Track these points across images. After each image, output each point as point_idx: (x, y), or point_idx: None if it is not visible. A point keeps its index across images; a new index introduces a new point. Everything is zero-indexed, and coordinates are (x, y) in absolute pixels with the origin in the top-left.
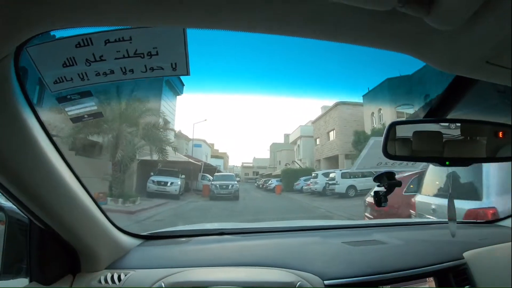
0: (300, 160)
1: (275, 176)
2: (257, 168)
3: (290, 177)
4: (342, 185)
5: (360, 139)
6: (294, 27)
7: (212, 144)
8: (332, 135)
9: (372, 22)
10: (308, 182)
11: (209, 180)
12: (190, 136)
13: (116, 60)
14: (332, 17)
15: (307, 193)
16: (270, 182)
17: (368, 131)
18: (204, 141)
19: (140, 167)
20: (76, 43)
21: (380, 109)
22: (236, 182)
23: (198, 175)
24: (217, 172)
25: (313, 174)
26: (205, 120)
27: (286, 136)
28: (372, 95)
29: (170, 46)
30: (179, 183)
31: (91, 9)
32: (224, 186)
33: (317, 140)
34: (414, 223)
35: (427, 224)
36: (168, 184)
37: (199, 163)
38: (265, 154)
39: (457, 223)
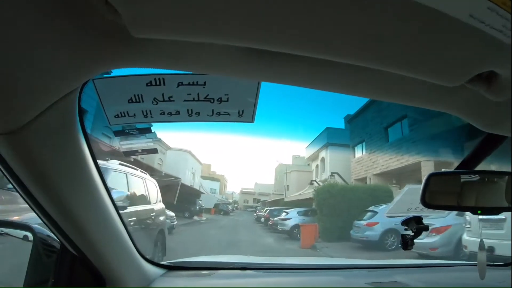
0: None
1: (287, 205)
2: (259, 195)
3: (337, 205)
4: None
5: None
6: (364, 90)
7: (209, 165)
8: None
9: (436, 92)
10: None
11: None
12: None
13: (184, 102)
14: (402, 86)
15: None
16: (284, 215)
17: None
18: (190, 152)
19: None
20: (147, 81)
21: None
22: None
23: None
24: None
25: None
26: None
27: (296, 157)
28: None
29: (242, 95)
30: None
31: (179, 53)
32: None
33: (359, 147)
34: (434, 265)
35: (448, 266)
36: None
37: None
38: (268, 180)
39: (473, 265)
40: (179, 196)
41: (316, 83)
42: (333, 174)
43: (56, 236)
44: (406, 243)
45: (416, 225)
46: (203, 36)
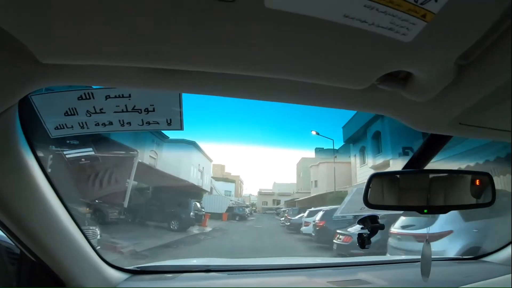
0: None
1: (337, 203)
2: (279, 196)
3: None
4: None
5: None
6: (278, 96)
7: (223, 166)
8: None
9: (353, 94)
10: None
11: None
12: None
13: (115, 113)
14: (315, 90)
15: None
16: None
17: None
18: (194, 144)
19: None
20: (78, 96)
21: None
22: None
23: None
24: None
25: None
26: None
27: (319, 150)
28: None
29: (167, 104)
30: None
31: (91, 73)
32: None
33: None
34: (397, 261)
35: (411, 262)
36: None
37: None
38: (287, 178)
39: (441, 260)
40: (156, 195)
41: (232, 92)
42: None
43: (15, 244)
44: (363, 242)
45: (371, 224)
46: (108, 61)
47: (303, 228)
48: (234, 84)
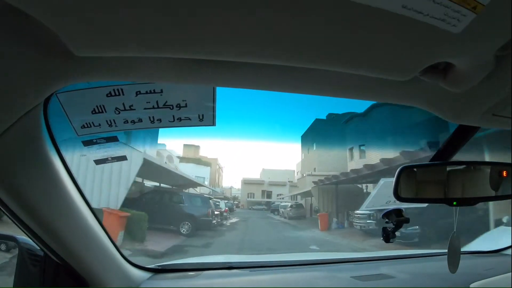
0: None
1: None
2: (270, 186)
3: None
4: None
5: None
6: (319, 89)
7: (197, 147)
8: None
9: (391, 86)
10: None
11: None
12: None
13: (145, 110)
14: (356, 82)
15: None
16: None
17: None
18: None
19: None
20: (107, 92)
21: None
22: None
23: None
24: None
25: None
26: None
27: (332, 116)
28: None
29: (200, 100)
30: None
31: (125, 66)
32: None
33: None
34: (420, 255)
35: (433, 256)
36: None
37: None
38: (281, 164)
39: (461, 253)
40: None
41: (270, 85)
42: None
43: (38, 245)
44: (388, 236)
45: (396, 217)
46: (145, 52)
47: None
48: (271, 75)
